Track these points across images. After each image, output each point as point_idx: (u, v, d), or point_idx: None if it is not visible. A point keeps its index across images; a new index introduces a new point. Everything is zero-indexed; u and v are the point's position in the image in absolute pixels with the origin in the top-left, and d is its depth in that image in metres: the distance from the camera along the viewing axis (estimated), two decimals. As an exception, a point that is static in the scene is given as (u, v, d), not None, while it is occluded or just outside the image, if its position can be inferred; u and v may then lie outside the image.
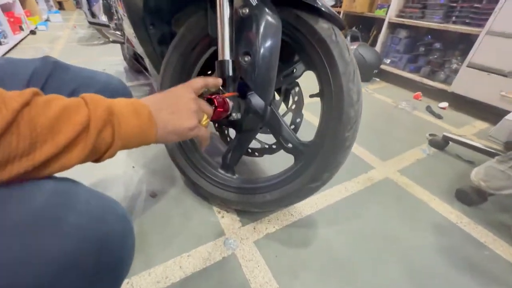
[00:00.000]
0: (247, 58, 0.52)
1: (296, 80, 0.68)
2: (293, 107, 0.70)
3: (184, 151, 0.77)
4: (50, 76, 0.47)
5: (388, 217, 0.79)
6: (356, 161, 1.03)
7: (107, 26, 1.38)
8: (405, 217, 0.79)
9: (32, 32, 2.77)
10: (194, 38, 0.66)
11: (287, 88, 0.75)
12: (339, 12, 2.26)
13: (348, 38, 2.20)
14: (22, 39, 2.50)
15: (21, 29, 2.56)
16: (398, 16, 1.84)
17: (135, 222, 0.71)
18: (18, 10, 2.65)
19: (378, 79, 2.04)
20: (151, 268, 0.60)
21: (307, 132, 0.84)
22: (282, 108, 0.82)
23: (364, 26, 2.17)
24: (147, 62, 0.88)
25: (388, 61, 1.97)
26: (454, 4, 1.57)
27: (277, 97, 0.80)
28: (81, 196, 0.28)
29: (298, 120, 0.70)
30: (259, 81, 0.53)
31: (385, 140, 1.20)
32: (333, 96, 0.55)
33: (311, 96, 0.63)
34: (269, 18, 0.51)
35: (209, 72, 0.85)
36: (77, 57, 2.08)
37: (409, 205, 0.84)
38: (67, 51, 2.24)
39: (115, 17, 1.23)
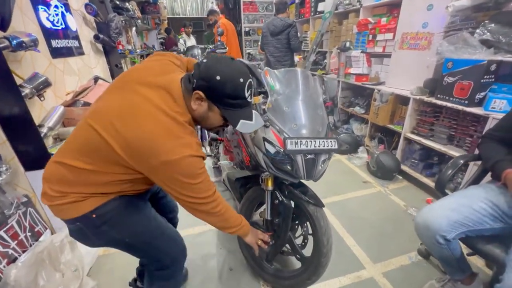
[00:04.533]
0: (277, 220, 1.25)
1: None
2: (303, 234, 1.37)
3: (247, 248, 1.50)
4: None
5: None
6: (352, 260, 1.56)
7: (210, 156, 2.42)
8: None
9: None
10: (256, 197, 1.43)
11: (300, 224, 1.43)
12: (367, 121, 2.89)
13: (376, 140, 2.78)
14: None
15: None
16: (412, 132, 2.35)
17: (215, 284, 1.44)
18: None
19: (400, 177, 2.48)
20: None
21: (315, 243, 1.46)
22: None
23: (388, 133, 2.71)
24: (233, 193, 1.71)
25: (408, 163, 2.43)
26: (453, 133, 2.03)
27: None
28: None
29: (306, 241, 1.35)
30: (280, 231, 1.24)
31: (383, 243, 1.68)
32: (315, 240, 1.21)
33: (309, 234, 1.30)
34: (286, 203, 1.23)
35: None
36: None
37: (381, 300, 1.33)
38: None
39: (216, 153, 2.25)
